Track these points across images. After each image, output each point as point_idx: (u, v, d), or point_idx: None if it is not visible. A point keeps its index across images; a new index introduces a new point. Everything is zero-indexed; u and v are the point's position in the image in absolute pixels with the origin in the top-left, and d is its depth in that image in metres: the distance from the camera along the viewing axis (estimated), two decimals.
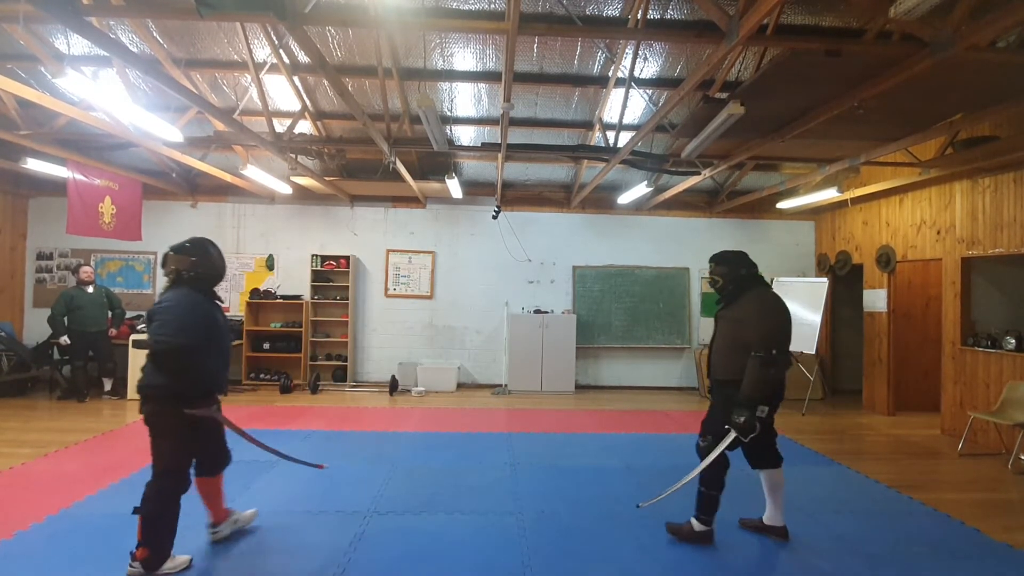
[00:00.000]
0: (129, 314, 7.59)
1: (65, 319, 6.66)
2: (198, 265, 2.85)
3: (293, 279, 8.16)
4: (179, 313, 2.69)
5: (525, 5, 4.21)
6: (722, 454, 3.11)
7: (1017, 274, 5.94)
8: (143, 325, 7.37)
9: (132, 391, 6.83)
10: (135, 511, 2.73)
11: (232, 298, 8.18)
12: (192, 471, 2.97)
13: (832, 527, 3.57)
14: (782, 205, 7.40)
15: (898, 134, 4.83)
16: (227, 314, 8.34)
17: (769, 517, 3.39)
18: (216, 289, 3.00)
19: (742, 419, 2.92)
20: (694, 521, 3.28)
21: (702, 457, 3.21)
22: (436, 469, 4.53)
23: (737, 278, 3.23)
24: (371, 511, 3.64)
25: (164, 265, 2.86)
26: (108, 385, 6.99)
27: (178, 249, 2.86)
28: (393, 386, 7.73)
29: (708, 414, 3.33)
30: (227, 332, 2.99)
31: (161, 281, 8.13)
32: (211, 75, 5.60)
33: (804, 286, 7.51)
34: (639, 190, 6.89)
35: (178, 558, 2.87)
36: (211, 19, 4.10)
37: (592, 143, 6.39)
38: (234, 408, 6.52)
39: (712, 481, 3.20)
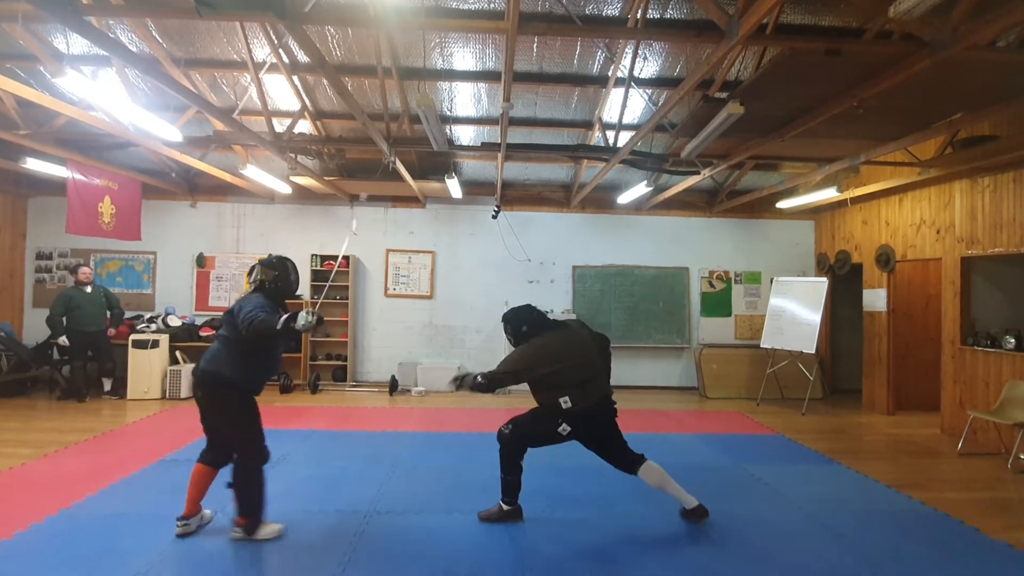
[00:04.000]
0: (128, 314, 7.59)
1: (64, 319, 6.65)
2: (279, 279, 3.29)
3: None
4: (263, 304, 3.09)
5: (525, 5, 4.21)
6: (516, 448, 3.51)
7: (1017, 274, 5.94)
8: (142, 325, 7.38)
9: (133, 392, 6.84)
10: (229, 485, 3.11)
11: (232, 298, 8.16)
12: (200, 456, 3.23)
13: (832, 526, 3.57)
14: (782, 205, 7.40)
15: (898, 134, 4.83)
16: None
17: (685, 503, 3.53)
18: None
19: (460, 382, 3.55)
20: (500, 504, 3.59)
21: (502, 445, 3.54)
22: (436, 469, 4.54)
23: (520, 335, 3.53)
24: (371, 511, 3.65)
25: (250, 274, 3.32)
26: (108, 385, 6.99)
27: (265, 263, 3.30)
28: (393, 386, 7.73)
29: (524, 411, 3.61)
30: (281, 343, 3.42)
31: (161, 281, 8.21)
32: (210, 75, 5.60)
33: (804, 286, 7.51)
34: (639, 190, 6.89)
35: (272, 525, 3.24)
36: (211, 19, 4.11)
37: (592, 143, 6.39)
38: None
39: (507, 466, 3.53)
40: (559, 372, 3.34)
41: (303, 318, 2.89)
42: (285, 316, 2.93)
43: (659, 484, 3.46)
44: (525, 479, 4.29)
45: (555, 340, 3.46)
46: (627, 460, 3.50)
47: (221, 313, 7.91)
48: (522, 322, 3.56)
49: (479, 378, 3.39)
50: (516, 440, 3.50)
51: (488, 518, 3.58)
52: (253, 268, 3.31)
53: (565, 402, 3.32)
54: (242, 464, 3.12)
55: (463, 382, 3.53)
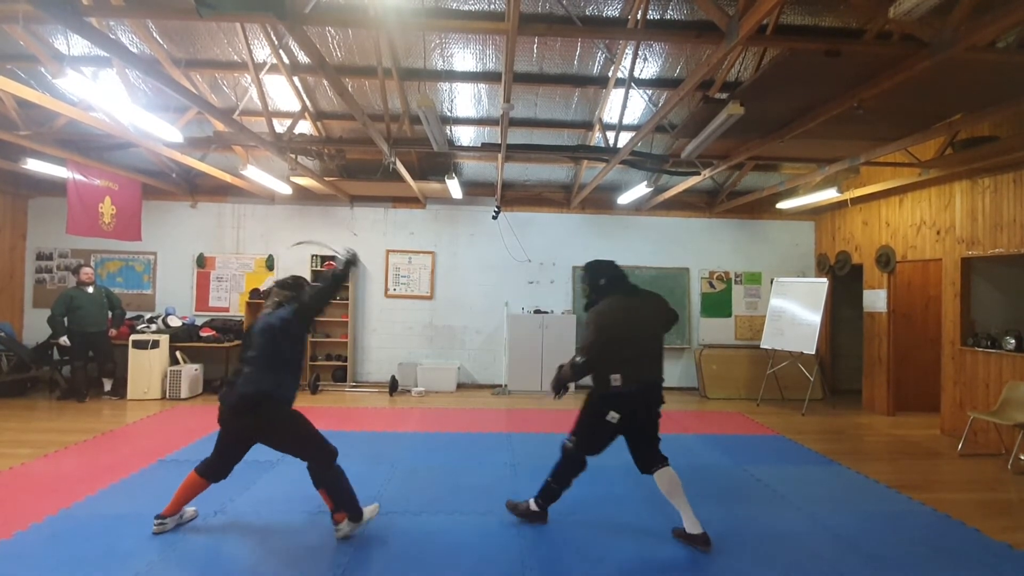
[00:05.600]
0: (129, 314, 7.59)
1: (65, 319, 6.66)
2: (295, 300, 3.27)
3: None
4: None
5: (525, 5, 4.21)
6: (581, 460, 3.36)
7: (1017, 274, 5.94)
8: (142, 326, 7.38)
9: (133, 392, 6.84)
10: (316, 487, 3.19)
11: (232, 298, 8.17)
12: (199, 466, 3.22)
13: (832, 527, 3.56)
14: (782, 205, 7.40)
15: (898, 134, 4.83)
16: (227, 314, 8.36)
17: (687, 525, 3.24)
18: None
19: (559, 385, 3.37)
20: (532, 501, 3.50)
21: (565, 457, 3.38)
22: (436, 469, 4.53)
23: (596, 288, 3.40)
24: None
25: (266, 296, 3.35)
26: (108, 385, 6.99)
27: (280, 284, 3.33)
28: (393, 386, 7.73)
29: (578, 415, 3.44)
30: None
31: (161, 281, 8.22)
32: (211, 75, 5.60)
33: (804, 286, 7.51)
34: (639, 190, 6.89)
35: (369, 508, 3.36)
36: (211, 19, 4.11)
37: (592, 143, 6.39)
38: None
39: (561, 478, 3.40)
40: (619, 341, 3.20)
41: (346, 254, 3.36)
42: (342, 263, 3.32)
43: (669, 493, 3.26)
44: (525, 479, 4.30)
45: (625, 305, 3.32)
46: (651, 457, 3.31)
47: (219, 313, 8.00)
48: (601, 274, 3.41)
49: (578, 359, 3.22)
50: (579, 451, 3.34)
51: (514, 509, 3.54)
52: (269, 291, 3.34)
53: (616, 379, 3.16)
54: (317, 467, 3.15)
55: (560, 380, 3.35)
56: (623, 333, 3.24)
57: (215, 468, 3.22)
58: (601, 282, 3.39)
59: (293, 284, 3.33)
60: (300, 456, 3.17)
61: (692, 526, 3.23)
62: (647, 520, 3.62)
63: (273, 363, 3.08)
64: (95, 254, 8.02)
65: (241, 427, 3.11)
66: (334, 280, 3.25)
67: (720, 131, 4.20)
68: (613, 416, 3.20)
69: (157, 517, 3.22)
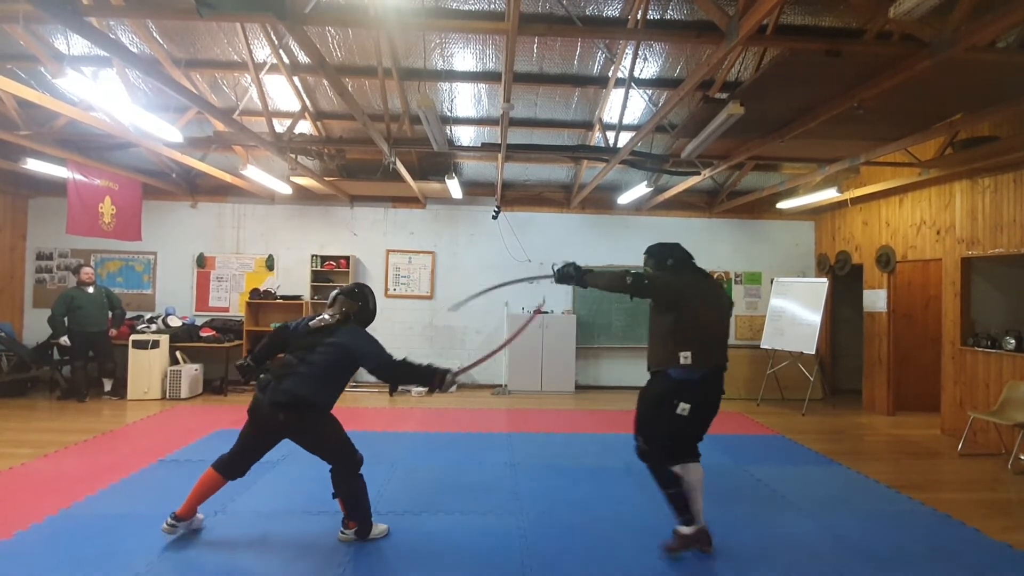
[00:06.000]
0: (129, 314, 7.59)
1: (65, 319, 6.66)
2: (362, 311, 3.38)
3: (293, 279, 8.16)
4: (370, 339, 3.25)
5: (525, 5, 4.21)
6: (661, 450, 3.08)
7: (1017, 274, 5.94)
8: (142, 326, 7.38)
9: (133, 392, 6.84)
10: (334, 496, 3.15)
11: (232, 298, 8.17)
12: (217, 462, 3.16)
13: (832, 527, 3.56)
14: (782, 205, 7.40)
15: (898, 134, 4.83)
16: (227, 315, 8.36)
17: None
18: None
19: (561, 269, 3.25)
20: (679, 528, 3.12)
21: (648, 460, 3.12)
22: (436, 469, 4.53)
23: (664, 269, 3.25)
24: (371, 511, 3.63)
25: (331, 305, 3.35)
26: (108, 385, 6.99)
27: (348, 294, 3.36)
28: (393, 386, 7.73)
29: (636, 413, 3.22)
30: None
31: (161, 281, 8.21)
32: (211, 75, 5.60)
33: (804, 286, 7.51)
34: (639, 190, 6.89)
35: (379, 526, 3.32)
36: (211, 19, 4.11)
37: (592, 143, 6.39)
38: (235, 408, 6.51)
39: (664, 482, 3.08)
40: (695, 320, 3.00)
41: (448, 383, 3.24)
42: (437, 378, 3.21)
43: (689, 488, 3.13)
44: (525, 479, 4.30)
45: (702, 282, 3.18)
46: (688, 449, 3.15)
47: (219, 313, 7.99)
48: (669, 255, 3.25)
49: (634, 279, 3.02)
50: (655, 448, 3.08)
51: (673, 549, 3.10)
52: (336, 298, 3.34)
53: (685, 357, 2.94)
54: (341, 472, 3.14)
55: (578, 275, 3.24)
56: (698, 311, 3.03)
57: (234, 464, 3.15)
58: (668, 262, 3.23)
59: (359, 294, 3.37)
60: (328, 459, 3.16)
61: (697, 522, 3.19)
62: (647, 520, 3.61)
63: (330, 377, 3.13)
64: (95, 254, 8.02)
65: (275, 423, 3.04)
66: (418, 374, 3.25)
67: (720, 131, 4.20)
68: (684, 408, 2.98)
69: (172, 516, 3.14)
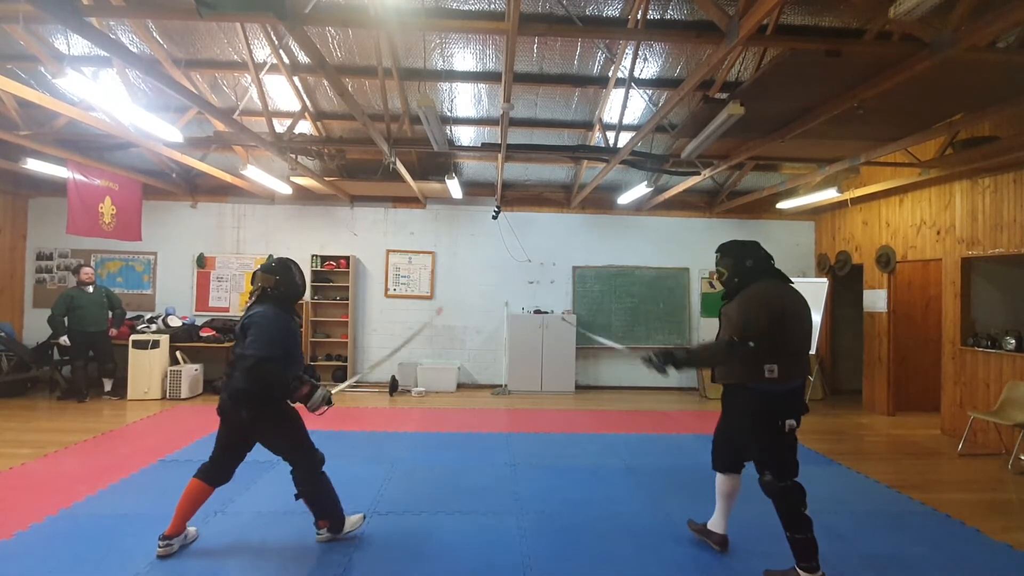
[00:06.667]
0: (129, 314, 7.59)
1: (65, 319, 6.66)
2: (281, 284, 3.11)
3: None
4: (267, 327, 2.93)
5: (525, 5, 4.21)
6: (793, 485, 2.79)
7: (1017, 274, 5.94)
8: (142, 326, 7.38)
9: (133, 392, 6.84)
10: (296, 497, 3.08)
11: (232, 298, 8.17)
12: (199, 471, 3.06)
13: (832, 527, 3.56)
14: (782, 205, 7.40)
15: (898, 134, 4.83)
16: (227, 315, 8.36)
17: (715, 524, 3.22)
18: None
19: (658, 359, 2.90)
20: (798, 571, 2.79)
21: (776, 495, 2.80)
22: (436, 469, 4.53)
23: (743, 271, 2.97)
24: (371, 511, 3.64)
25: (252, 282, 3.14)
26: (108, 385, 6.99)
27: (265, 268, 3.13)
28: (393, 386, 7.73)
29: (745, 438, 2.94)
30: (300, 342, 3.27)
31: (161, 281, 8.22)
32: (211, 75, 5.60)
33: (804, 286, 7.45)
34: (639, 190, 6.89)
35: (353, 517, 3.27)
36: (211, 19, 4.11)
37: (592, 143, 6.39)
38: None
39: (794, 520, 2.76)
40: (781, 332, 2.78)
41: (317, 398, 2.99)
42: (305, 390, 2.96)
43: (726, 495, 3.12)
44: (525, 479, 4.30)
45: (784, 291, 2.91)
46: (737, 460, 3.06)
47: (219, 313, 8.00)
48: (749, 255, 2.98)
49: (745, 342, 2.72)
50: (787, 480, 2.79)
51: None
52: (254, 276, 3.14)
53: (771, 371, 2.74)
54: (303, 472, 3.08)
55: (694, 359, 2.99)
56: (787, 325, 2.81)
57: (217, 470, 3.05)
58: (748, 263, 2.96)
59: (278, 267, 3.13)
60: (287, 458, 3.09)
61: (720, 526, 3.20)
62: (648, 520, 3.62)
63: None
64: (95, 254, 8.02)
65: (239, 420, 2.96)
66: (281, 388, 2.96)
67: (720, 131, 4.20)
68: (791, 424, 2.79)
69: (161, 538, 3.00)
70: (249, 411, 2.93)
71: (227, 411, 3.00)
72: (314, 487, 3.09)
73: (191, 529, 3.19)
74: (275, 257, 3.24)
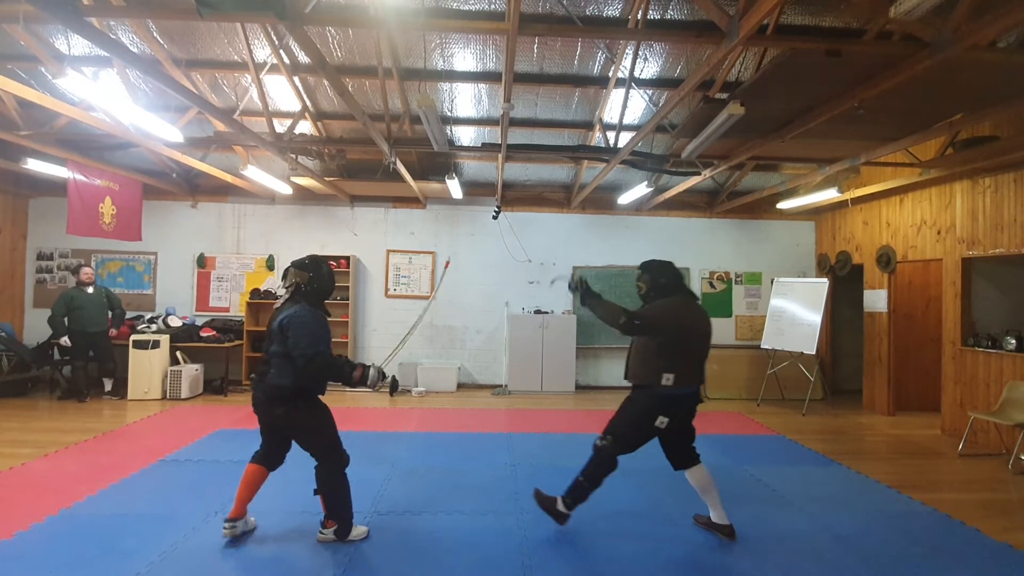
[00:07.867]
0: (129, 314, 7.59)
1: (65, 319, 6.66)
2: (314, 280, 3.20)
3: None
4: (308, 324, 3.03)
5: (525, 5, 4.21)
6: (612, 459, 3.29)
7: (1017, 274, 5.94)
8: (142, 326, 7.38)
9: (133, 392, 6.84)
10: (315, 492, 3.12)
11: (232, 298, 8.17)
12: (255, 454, 3.22)
13: (832, 527, 3.56)
14: (782, 205, 7.40)
15: (898, 134, 4.83)
16: (228, 315, 8.38)
17: (715, 517, 3.40)
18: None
19: (579, 284, 3.54)
20: (560, 500, 3.40)
21: (598, 456, 3.32)
22: (436, 469, 4.53)
23: (658, 287, 3.40)
24: (371, 511, 3.64)
25: (284, 278, 3.23)
26: (108, 385, 6.99)
27: (298, 265, 3.22)
28: (393, 386, 7.71)
29: (615, 415, 3.41)
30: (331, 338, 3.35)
31: (161, 281, 8.22)
32: (211, 75, 5.60)
33: (804, 286, 7.51)
34: (639, 190, 6.89)
35: (359, 528, 3.28)
36: (211, 19, 4.11)
37: (592, 143, 6.39)
38: (235, 408, 6.53)
39: (593, 477, 3.33)
40: (680, 343, 3.20)
41: (373, 376, 3.11)
42: (358, 372, 3.08)
43: (702, 489, 3.37)
44: (525, 479, 4.30)
45: (689, 308, 3.35)
46: (685, 455, 3.38)
47: (219, 314, 8.00)
48: (663, 274, 3.43)
49: (630, 320, 3.17)
50: (615, 450, 3.29)
51: (541, 502, 3.48)
52: (287, 270, 3.21)
53: (667, 379, 3.15)
54: (327, 469, 3.13)
55: (587, 293, 3.46)
56: (686, 335, 3.25)
57: (268, 456, 3.22)
58: (662, 281, 3.40)
59: (311, 264, 3.23)
60: (315, 455, 3.15)
61: (720, 517, 3.37)
62: (648, 520, 3.62)
63: (288, 359, 3.01)
64: (95, 254, 8.02)
65: (273, 416, 3.08)
66: (341, 372, 3.08)
67: (720, 131, 4.20)
68: (662, 421, 3.20)
69: (227, 520, 3.18)
70: (284, 406, 3.03)
71: (261, 406, 3.10)
72: (334, 486, 3.14)
73: (251, 519, 3.32)
74: (308, 255, 3.34)
